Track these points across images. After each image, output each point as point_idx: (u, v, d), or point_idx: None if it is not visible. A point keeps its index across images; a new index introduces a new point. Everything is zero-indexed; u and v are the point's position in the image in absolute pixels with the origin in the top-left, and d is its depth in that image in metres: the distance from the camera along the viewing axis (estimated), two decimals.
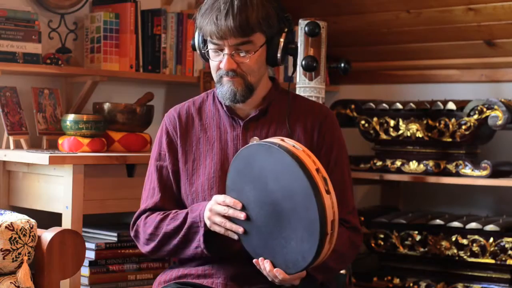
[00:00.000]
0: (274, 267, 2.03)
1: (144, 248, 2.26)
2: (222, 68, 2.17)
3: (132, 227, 2.28)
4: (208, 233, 2.14)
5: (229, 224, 2.07)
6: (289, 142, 1.99)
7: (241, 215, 2.04)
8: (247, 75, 2.18)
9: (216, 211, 2.08)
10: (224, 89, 2.19)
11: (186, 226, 2.16)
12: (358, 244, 2.26)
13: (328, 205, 1.91)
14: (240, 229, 2.05)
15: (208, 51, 2.20)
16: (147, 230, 2.22)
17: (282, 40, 2.20)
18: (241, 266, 2.18)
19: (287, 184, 1.96)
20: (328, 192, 1.93)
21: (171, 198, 2.26)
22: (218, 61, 2.18)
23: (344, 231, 2.21)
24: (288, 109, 2.27)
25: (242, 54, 2.16)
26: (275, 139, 2.01)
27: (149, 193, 2.28)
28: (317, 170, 1.94)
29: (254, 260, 2.06)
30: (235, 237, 2.07)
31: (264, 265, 2.04)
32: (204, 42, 2.22)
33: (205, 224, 2.13)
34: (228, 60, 2.16)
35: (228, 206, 2.07)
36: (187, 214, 2.18)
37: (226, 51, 2.15)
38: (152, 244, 2.23)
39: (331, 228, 1.92)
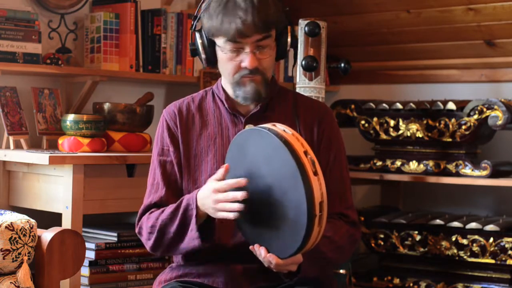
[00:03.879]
0: (269, 252, 2.03)
1: (148, 244, 2.24)
2: (246, 67, 2.15)
3: (137, 223, 2.27)
4: (203, 220, 2.13)
5: (231, 195, 2.01)
6: (279, 127, 2.00)
7: (238, 195, 2.00)
8: (266, 71, 2.19)
9: (217, 198, 2.05)
10: (247, 90, 2.18)
11: (181, 211, 2.14)
12: (357, 237, 2.27)
13: (315, 186, 1.91)
14: (242, 194, 2.00)
15: (225, 53, 2.16)
16: (149, 223, 2.21)
17: (289, 34, 2.22)
18: (242, 263, 2.18)
19: (277, 167, 1.97)
20: (315, 173, 1.93)
21: (175, 193, 2.25)
22: (238, 61, 2.16)
23: (342, 225, 2.22)
24: (293, 104, 2.28)
25: (262, 51, 2.16)
26: (267, 124, 2.02)
27: (153, 188, 2.26)
28: (305, 152, 1.94)
29: (250, 247, 2.06)
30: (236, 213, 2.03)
31: (260, 251, 2.04)
32: (211, 45, 2.20)
33: (197, 206, 2.10)
34: (252, 57, 2.14)
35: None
36: (181, 200, 2.16)
37: (247, 49, 2.14)
38: (153, 237, 2.20)
39: (319, 210, 1.92)
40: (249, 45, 2.14)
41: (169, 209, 2.18)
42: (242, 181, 2.01)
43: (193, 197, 2.12)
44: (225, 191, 2.03)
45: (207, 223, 2.14)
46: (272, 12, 2.13)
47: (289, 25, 2.24)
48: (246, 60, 2.15)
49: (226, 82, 2.27)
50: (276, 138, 1.95)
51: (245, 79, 2.18)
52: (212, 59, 2.22)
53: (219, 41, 2.17)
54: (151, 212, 2.23)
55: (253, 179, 2.02)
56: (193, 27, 2.25)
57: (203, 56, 2.23)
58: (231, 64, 2.18)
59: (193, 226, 2.12)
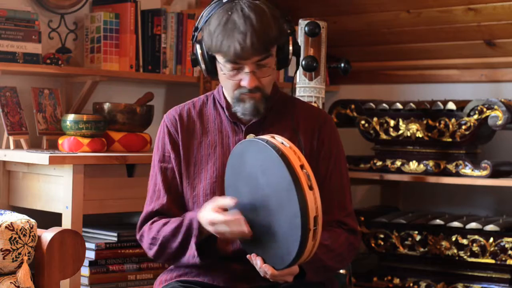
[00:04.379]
0: (265, 262, 2.03)
1: (149, 253, 2.26)
2: (246, 86, 2.15)
3: (138, 230, 2.28)
4: (204, 240, 2.14)
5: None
6: (278, 139, 2.00)
7: (245, 229, 2.03)
8: (265, 88, 2.18)
9: (218, 230, 2.07)
10: (246, 107, 2.18)
11: (183, 230, 2.15)
12: (356, 245, 2.27)
13: (310, 200, 1.91)
14: (248, 233, 2.04)
15: (224, 73, 2.16)
16: (150, 234, 2.22)
17: (291, 44, 2.20)
18: (242, 263, 2.18)
19: (273, 179, 1.97)
20: (311, 188, 1.93)
21: (177, 200, 2.25)
22: (238, 80, 2.16)
23: (342, 232, 2.22)
24: (292, 114, 2.29)
25: (262, 69, 2.15)
26: (266, 136, 2.02)
27: (155, 194, 2.26)
28: (301, 166, 1.94)
29: (247, 256, 2.07)
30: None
31: (256, 261, 2.04)
32: (211, 59, 2.19)
33: (198, 231, 2.11)
34: (251, 78, 2.14)
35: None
36: (183, 218, 2.17)
37: (247, 69, 2.13)
38: (154, 249, 2.22)
39: (313, 224, 1.92)
40: (248, 65, 2.13)
41: (171, 224, 2.18)
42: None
43: (195, 218, 2.12)
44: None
45: (208, 241, 2.15)
46: (272, 30, 2.11)
47: (291, 35, 2.22)
48: (246, 80, 2.14)
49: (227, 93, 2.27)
50: (273, 151, 1.95)
51: (244, 96, 2.17)
52: (212, 72, 2.22)
53: (219, 59, 2.16)
54: (152, 222, 2.24)
55: (251, 189, 2.03)
56: (194, 38, 2.23)
57: (203, 67, 2.22)
58: (231, 82, 2.17)
59: (192, 246, 2.13)
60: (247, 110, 2.18)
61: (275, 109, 2.28)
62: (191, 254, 2.14)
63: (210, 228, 2.08)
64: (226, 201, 2.07)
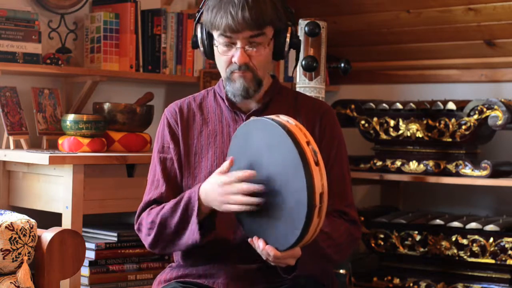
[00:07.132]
0: (268, 244, 2.01)
1: (147, 240, 2.23)
2: (235, 62, 2.17)
3: (137, 219, 2.26)
4: (204, 215, 2.13)
5: (245, 199, 2.01)
6: (283, 118, 2.01)
7: (258, 187, 1.99)
8: (257, 69, 2.20)
9: (231, 190, 2.03)
10: (236, 86, 2.20)
11: (182, 204, 2.13)
12: (356, 236, 2.27)
13: (316, 176, 1.91)
14: (257, 200, 1.99)
15: (217, 46, 2.19)
16: (149, 218, 2.21)
17: (288, 34, 2.23)
18: (242, 266, 2.18)
19: (279, 156, 1.97)
20: (317, 163, 1.93)
21: (176, 189, 2.25)
22: (230, 56, 2.18)
23: (342, 223, 2.22)
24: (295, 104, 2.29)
25: (254, 48, 2.17)
26: (271, 116, 2.03)
27: (153, 184, 2.27)
28: (308, 142, 1.95)
29: (249, 240, 2.06)
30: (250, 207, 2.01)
31: (258, 243, 2.03)
32: (209, 38, 2.22)
33: (199, 199, 2.10)
34: (241, 53, 2.16)
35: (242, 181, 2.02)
36: (183, 194, 2.17)
37: (239, 44, 2.16)
38: (153, 233, 2.20)
39: (319, 201, 1.91)
40: (240, 40, 2.15)
41: (170, 203, 2.18)
42: (252, 173, 2.00)
43: (195, 190, 2.12)
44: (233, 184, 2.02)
45: (207, 219, 2.14)
46: (267, 9, 2.15)
47: (291, 26, 2.25)
48: (236, 55, 2.17)
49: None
50: (279, 127, 1.96)
51: (235, 74, 2.19)
52: (209, 53, 2.25)
53: (215, 35, 2.20)
54: (151, 208, 2.23)
55: (255, 170, 2.02)
56: (197, 19, 2.27)
57: (201, 49, 2.26)
58: (224, 58, 2.20)
59: (194, 219, 2.11)
60: (237, 89, 2.20)
61: (276, 99, 2.29)
62: (192, 230, 2.11)
63: (219, 191, 2.04)
64: (225, 164, 2.06)
